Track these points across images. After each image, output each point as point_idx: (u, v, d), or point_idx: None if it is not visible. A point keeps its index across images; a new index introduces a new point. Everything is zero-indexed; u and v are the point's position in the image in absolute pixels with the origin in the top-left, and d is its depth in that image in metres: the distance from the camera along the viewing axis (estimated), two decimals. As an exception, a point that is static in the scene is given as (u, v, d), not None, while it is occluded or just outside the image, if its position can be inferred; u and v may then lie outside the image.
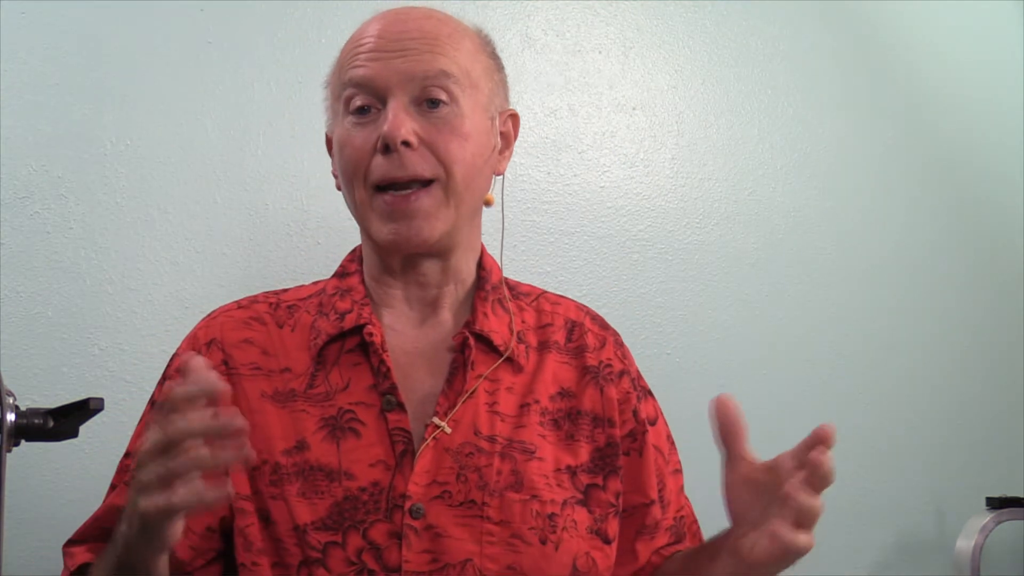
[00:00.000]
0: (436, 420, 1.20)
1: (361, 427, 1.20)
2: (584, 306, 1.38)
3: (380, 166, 1.20)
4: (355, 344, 1.24)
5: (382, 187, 1.22)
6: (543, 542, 1.19)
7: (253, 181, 1.72)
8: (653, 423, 1.33)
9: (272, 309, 1.30)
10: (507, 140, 1.32)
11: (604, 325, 1.37)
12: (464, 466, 1.19)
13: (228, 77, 1.72)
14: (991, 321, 2.23)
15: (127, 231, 1.65)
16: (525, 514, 1.19)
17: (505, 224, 1.34)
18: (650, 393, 1.37)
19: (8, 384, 1.10)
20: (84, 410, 1.15)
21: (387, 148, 1.19)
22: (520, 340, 1.28)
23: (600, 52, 1.99)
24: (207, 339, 1.27)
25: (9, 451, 1.08)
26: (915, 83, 2.22)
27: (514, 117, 1.33)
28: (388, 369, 1.22)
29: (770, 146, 2.09)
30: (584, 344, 1.32)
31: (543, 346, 1.30)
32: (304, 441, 1.20)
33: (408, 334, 1.27)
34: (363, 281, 1.29)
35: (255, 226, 1.72)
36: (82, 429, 1.20)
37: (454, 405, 1.22)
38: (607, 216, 1.96)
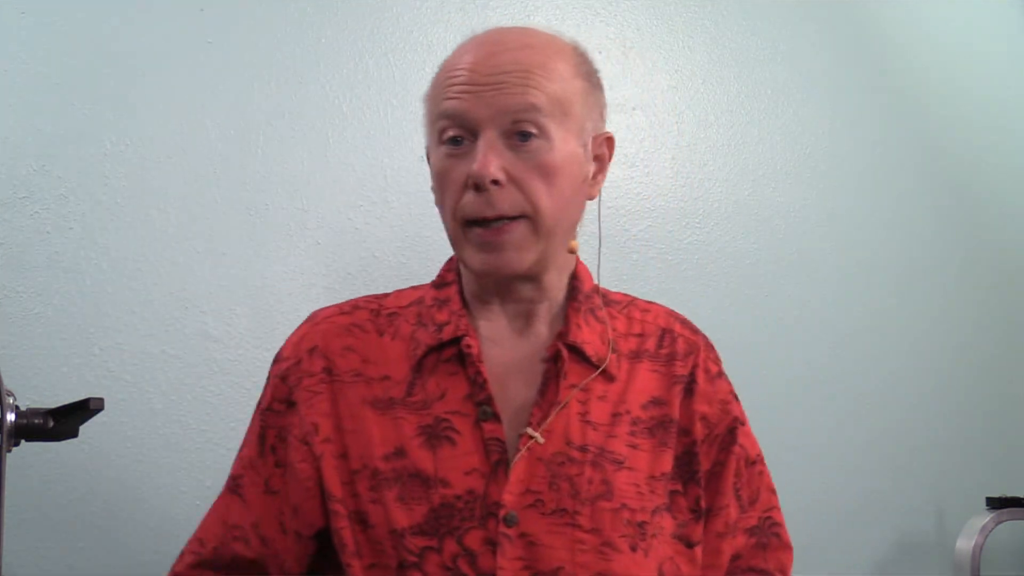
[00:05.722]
0: (529, 431, 1.22)
1: (456, 436, 1.22)
2: (673, 311, 1.39)
3: (471, 203, 1.21)
4: (452, 354, 1.26)
5: (472, 221, 1.23)
6: (633, 549, 1.21)
7: (253, 181, 1.72)
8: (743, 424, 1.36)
9: (373, 316, 1.31)
10: (601, 163, 1.32)
11: (695, 330, 1.38)
12: (556, 475, 1.21)
13: (228, 77, 1.72)
14: (991, 321, 2.23)
15: (127, 231, 1.65)
16: (616, 522, 1.21)
17: (595, 234, 1.34)
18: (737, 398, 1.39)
19: (8, 384, 1.10)
20: (84, 410, 1.15)
21: (477, 187, 1.21)
22: (614, 349, 1.30)
23: (600, 52, 1.99)
24: (310, 346, 1.28)
25: (9, 451, 1.08)
26: (916, 83, 2.22)
27: (610, 140, 1.32)
28: (484, 380, 1.23)
29: (770, 146, 2.09)
30: (674, 351, 1.33)
31: (635, 355, 1.31)
32: (403, 448, 1.22)
33: (504, 345, 1.28)
34: (460, 291, 1.30)
35: (255, 226, 1.72)
36: (82, 429, 1.20)
37: (547, 415, 1.23)
38: (607, 216, 1.95)
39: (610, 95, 1.98)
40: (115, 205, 1.65)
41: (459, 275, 1.32)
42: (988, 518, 1.95)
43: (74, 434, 1.19)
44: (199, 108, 1.70)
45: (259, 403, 1.30)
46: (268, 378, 1.31)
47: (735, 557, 1.32)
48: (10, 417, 1.08)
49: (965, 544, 1.94)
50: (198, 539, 1.28)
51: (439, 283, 1.33)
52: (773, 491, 1.36)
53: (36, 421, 1.13)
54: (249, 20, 1.74)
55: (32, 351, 1.58)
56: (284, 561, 1.25)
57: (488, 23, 1.86)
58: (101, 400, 1.07)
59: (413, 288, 1.36)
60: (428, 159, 1.31)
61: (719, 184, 2.04)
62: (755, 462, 1.35)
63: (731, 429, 1.32)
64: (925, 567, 2.10)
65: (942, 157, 2.23)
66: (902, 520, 2.10)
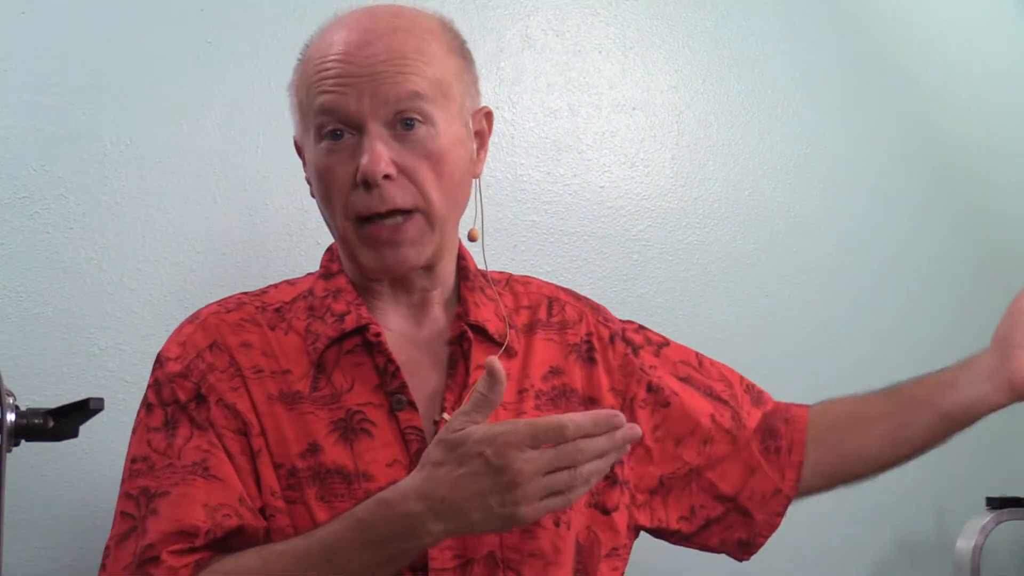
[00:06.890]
0: (445, 416, 1.21)
1: (373, 427, 1.20)
2: (551, 282, 1.40)
3: (361, 200, 1.20)
4: (355, 344, 1.24)
5: (365, 218, 1.21)
6: (556, 524, 1.21)
7: (253, 181, 1.72)
8: (658, 355, 1.37)
9: (259, 311, 1.28)
10: (482, 139, 1.30)
11: (577, 296, 1.39)
12: None
13: (228, 77, 1.72)
14: (991, 321, 2.22)
15: (127, 231, 1.65)
16: None
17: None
18: (641, 330, 1.40)
19: (8, 384, 1.10)
20: (84, 410, 1.15)
21: (367, 183, 1.19)
22: (510, 325, 1.29)
23: (600, 52, 1.99)
24: (207, 342, 1.24)
25: (9, 451, 1.08)
26: (916, 82, 2.22)
27: (488, 115, 1.30)
28: (397, 368, 1.22)
29: (770, 146, 2.09)
30: (565, 319, 1.33)
31: (529, 327, 1.31)
32: (316, 444, 1.19)
33: (405, 332, 1.27)
34: (351, 280, 1.28)
35: (255, 226, 1.72)
36: (82, 429, 1.20)
37: (460, 399, 1.22)
38: (607, 216, 1.96)
39: (610, 95, 2.00)
40: (115, 205, 1.65)
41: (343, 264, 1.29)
42: (988, 518, 1.95)
43: (74, 434, 1.19)
44: (199, 108, 1.70)
45: (147, 402, 1.22)
46: (158, 384, 1.22)
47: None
48: (10, 417, 1.08)
49: (965, 544, 1.94)
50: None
51: (325, 274, 1.30)
52: (729, 367, 1.40)
53: (36, 421, 1.13)
54: (249, 20, 1.74)
55: (32, 351, 1.58)
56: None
57: (488, 23, 1.87)
58: (101, 400, 1.07)
59: (288, 283, 1.33)
60: (298, 150, 1.29)
61: (719, 184, 2.04)
62: (701, 362, 1.38)
63: (649, 386, 1.33)
64: (925, 567, 2.10)
65: (943, 156, 2.23)
66: (902, 520, 2.10)
